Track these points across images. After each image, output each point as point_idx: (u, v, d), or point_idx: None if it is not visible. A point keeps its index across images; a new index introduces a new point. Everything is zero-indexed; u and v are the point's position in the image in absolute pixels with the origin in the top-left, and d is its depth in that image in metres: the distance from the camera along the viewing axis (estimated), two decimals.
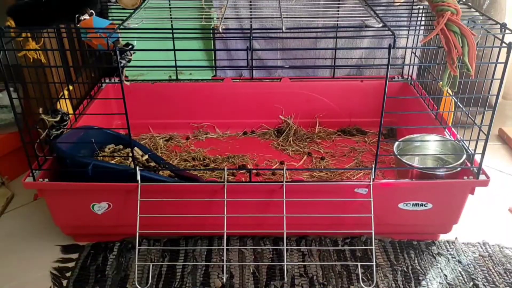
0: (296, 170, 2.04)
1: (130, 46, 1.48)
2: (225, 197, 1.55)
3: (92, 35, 1.44)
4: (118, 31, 1.48)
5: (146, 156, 1.98)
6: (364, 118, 2.44)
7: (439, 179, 1.64)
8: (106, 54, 2.22)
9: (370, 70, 2.45)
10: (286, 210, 1.55)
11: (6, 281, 1.60)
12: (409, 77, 2.40)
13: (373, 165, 1.56)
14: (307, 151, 2.27)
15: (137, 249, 1.55)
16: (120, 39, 1.49)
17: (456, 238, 1.77)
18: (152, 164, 1.96)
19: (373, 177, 1.56)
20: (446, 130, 1.88)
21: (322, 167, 2.13)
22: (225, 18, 1.62)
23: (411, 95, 2.30)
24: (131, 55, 1.46)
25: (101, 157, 1.87)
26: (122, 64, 1.37)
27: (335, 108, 2.41)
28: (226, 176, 1.57)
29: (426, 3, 1.77)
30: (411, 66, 2.38)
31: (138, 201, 1.55)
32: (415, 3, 2.16)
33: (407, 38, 2.31)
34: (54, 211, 1.67)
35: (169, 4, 2.04)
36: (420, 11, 2.19)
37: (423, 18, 2.19)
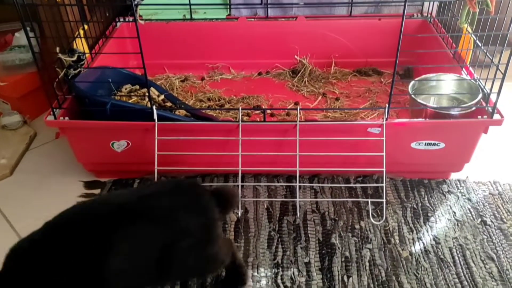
0: (310, 110, 2.05)
1: None
2: (240, 136, 1.59)
3: None
4: None
5: (162, 96, 2.01)
6: (381, 58, 2.40)
7: (454, 118, 1.64)
8: None
9: (389, 8, 2.38)
10: (299, 149, 1.59)
11: (33, 214, 1.69)
12: (429, 15, 2.34)
13: (387, 105, 1.57)
14: (322, 91, 2.26)
15: None
16: None
17: (467, 177, 1.79)
18: (168, 104, 2.00)
19: (386, 116, 1.57)
20: (463, 69, 1.85)
21: (337, 108, 2.14)
22: None
23: (429, 33, 2.24)
24: None
25: (119, 97, 1.91)
26: (136, 2, 1.36)
27: (352, 47, 2.37)
28: (240, 116, 1.60)
29: None
30: (431, 4, 2.31)
31: (156, 139, 1.59)
32: None
33: None
34: (75, 149, 1.73)
35: None
36: None
37: None
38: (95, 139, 1.69)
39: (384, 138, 1.57)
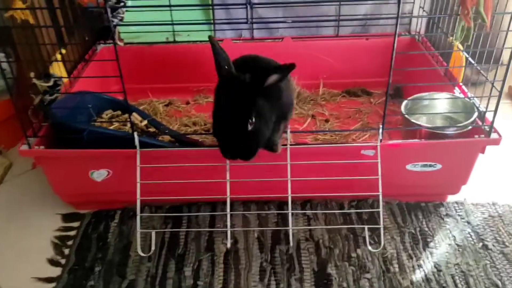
0: (300, 132, 1.97)
1: (122, 4, 1.39)
2: (227, 162, 1.50)
3: None
4: None
5: (145, 122, 1.92)
6: (369, 78, 2.36)
7: (449, 138, 1.58)
8: (98, 13, 2.13)
9: (376, 27, 2.35)
10: (290, 174, 1.51)
11: (8, 248, 1.58)
12: (417, 33, 2.30)
13: (380, 126, 1.50)
14: (311, 113, 2.20)
15: (138, 216, 1.51)
16: None
17: (465, 199, 1.72)
18: (152, 129, 1.91)
19: (380, 137, 1.50)
20: (455, 87, 1.81)
21: (327, 129, 2.07)
22: None
23: (418, 52, 2.20)
24: (123, 13, 1.38)
25: (99, 123, 1.81)
26: (114, 23, 1.29)
27: (340, 68, 2.32)
28: None
29: None
30: (419, 23, 2.28)
31: (138, 167, 1.50)
32: None
33: None
34: (52, 179, 1.63)
35: None
36: None
37: None
38: (73, 169, 1.59)
39: (379, 161, 1.49)
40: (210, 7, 2.29)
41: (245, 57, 1.63)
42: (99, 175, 1.59)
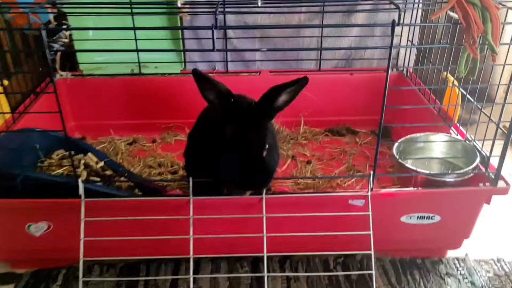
0: (279, 179, 1.74)
1: (65, 26, 1.17)
2: (191, 214, 1.26)
3: (15, 11, 1.13)
4: (48, 6, 1.17)
5: (101, 163, 1.67)
6: (354, 116, 2.17)
7: (449, 186, 1.37)
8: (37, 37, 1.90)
9: (361, 61, 2.18)
10: (266, 228, 1.27)
11: None
12: (404, 68, 2.13)
13: (371, 172, 1.28)
14: (291, 154, 1.98)
15: (80, 282, 1.24)
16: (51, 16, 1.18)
17: (466, 254, 1.50)
18: (109, 172, 1.66)
19: (371, 186, 1.28)
20: (451, 128, 1.62)
21: (309, 172, 1.85)
22: None
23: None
24: (66, 38, 1.16)
25: (46, 166, 1.57)
26: (54, 49, 1.06)
27: (322, 105, 2.12)
28: (191, 187, 1.27)
29: None
30: (407, 57, 2.11)
31: (82, 221, 1.24)
32: None
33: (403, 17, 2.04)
34: None
35: None
36: None
37: None
38: (7, 221, 1.33)
39: (370, 213, 1.27)
40: (180, 38, 2.09)
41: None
42: (37, 228, 1.33)
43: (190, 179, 1.27)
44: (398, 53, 2.14)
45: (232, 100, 1.22)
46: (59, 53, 1.34)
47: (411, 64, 2.10)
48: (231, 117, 1.21)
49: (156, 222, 1.29)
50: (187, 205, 1.26)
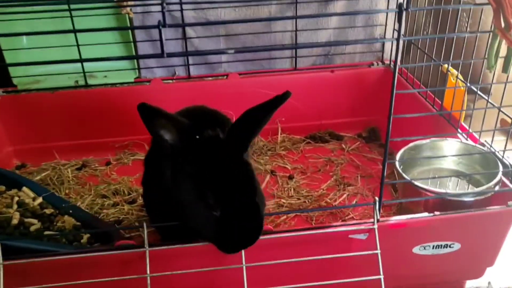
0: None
1: None
2: (148, 272, 0.96)
3: None
4: None
5: (39, 200, 1.38)
6: (337, 118, 1.92)
7: (467, 207, 1.12)
8: None
9: (342, 56, 1.91)
10: (247, 281, 0.98)
11: None
12: (391, 62, 1.88)
13: (377, 198, 1.01)
14: (269, 168, 1.71)
15: None
16: None
17: (489, 283, 1.26)
18: (48, 211, 1.35)
19: (377, 217, 1.01)
20: (458, 130, 1.37)
21: (292, 190, 1.59)
22: None
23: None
24: None
25: None
26: None
27: (301, 108, 1.86)
28: (146, 236, 0.98)
29: None
30: (393, 50, 1.86)
31: None
32: None
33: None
34: None
35: None
36: None
37: None
38: None
39: (378, 252, 1.00)
40: (131, 41, 1.78)
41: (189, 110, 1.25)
42: None
43: (145, 227, 0.97)
44: (383, 45, 1.89)
45: (197, 137, 0.95)
46: None
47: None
48: (195, 162, 0.93)
49: (101, 284, 0.98)
50: (142, 259, 0.96)
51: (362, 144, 1.86)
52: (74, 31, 1.53)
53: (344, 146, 1.84)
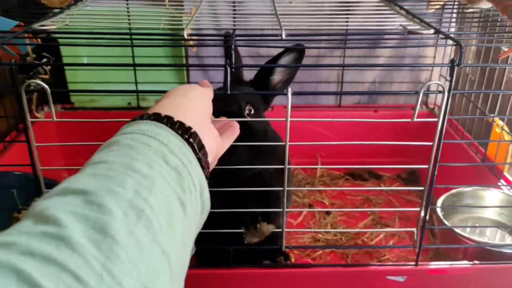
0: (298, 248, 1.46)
1: (45, 60, 0.95)
2: None
3: None
4: (27, 36, 0.94)
5: None
6: (378, 157, 1.90)
7: (506, 259, 1.11)
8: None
9: (386, 97, 1.94)
10: None
11: None
12: (435, 106, 1.90)
13: (418, 242, 1.03)
14: (307, 202, 1.74)
15: None
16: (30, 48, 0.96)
17: None
18: None
19: (417, 260, 1.02)
20: (501, 180, 1.37)
21: (329, 225, 1.61)
22: (196, 22, 1.11)
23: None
24: (46, 73, 0.93)
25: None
26: (31, 87, 0.83)
27: (342, 145, 1.87)
28: None
29: (483, 5, 1.28)
30: (438, 95, 1.87)
31: None
32: (463, 6, 1.60)
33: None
34: None
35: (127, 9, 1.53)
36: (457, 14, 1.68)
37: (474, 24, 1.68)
38: None
39: None
40: (184, 68, 1.87)
41: None
42: None
43: None
44: (428, 88, 1.91)
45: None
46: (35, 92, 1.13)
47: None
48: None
49: None
50: None
51: (401, 185, 1.86)
52: (134, 65, 1.62)
53: (382, 185, 1.85)
